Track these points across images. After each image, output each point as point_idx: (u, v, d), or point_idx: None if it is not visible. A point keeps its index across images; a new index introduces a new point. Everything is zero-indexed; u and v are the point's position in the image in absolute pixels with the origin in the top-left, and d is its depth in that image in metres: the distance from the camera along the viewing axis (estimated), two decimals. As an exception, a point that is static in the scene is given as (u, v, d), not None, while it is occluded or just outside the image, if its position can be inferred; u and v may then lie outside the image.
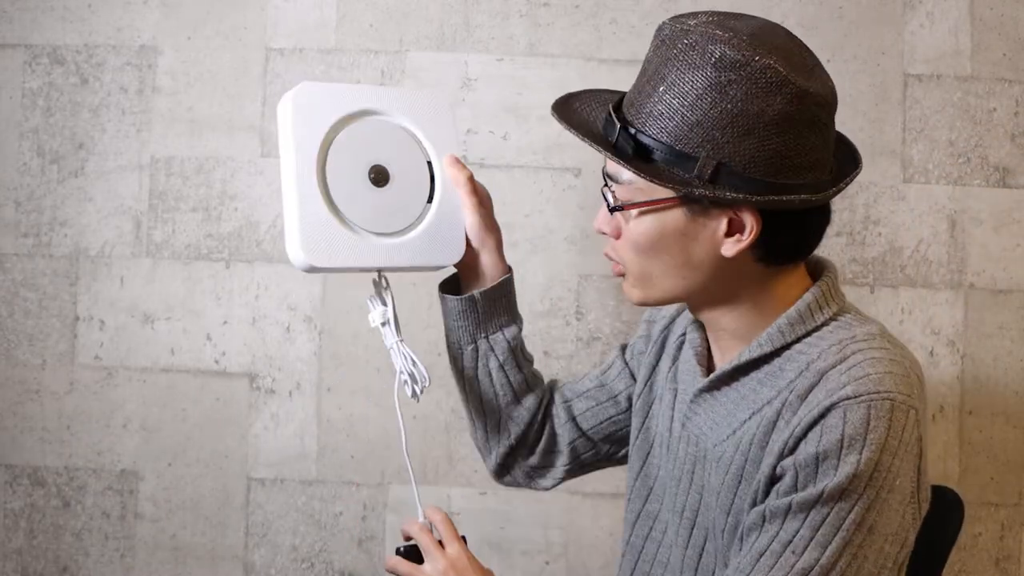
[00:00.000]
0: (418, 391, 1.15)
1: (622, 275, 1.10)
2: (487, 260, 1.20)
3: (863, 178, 1.78)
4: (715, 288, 1.05)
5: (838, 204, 1.79)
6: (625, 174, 1.03)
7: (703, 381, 1.11)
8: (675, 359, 1.20)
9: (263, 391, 1.82)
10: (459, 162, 1.20)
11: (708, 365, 1.15)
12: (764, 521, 0.99)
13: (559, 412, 1.30)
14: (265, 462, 1.82)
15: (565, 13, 1.81)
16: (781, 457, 0.99)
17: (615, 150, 1.01)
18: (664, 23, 1.03)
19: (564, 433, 1.29)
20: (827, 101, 1.01)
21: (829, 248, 1.78)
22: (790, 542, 0.96)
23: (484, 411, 1.26)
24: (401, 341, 1.15)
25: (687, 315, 1.21)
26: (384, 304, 1.17)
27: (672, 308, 1.27)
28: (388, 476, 1.81)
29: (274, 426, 1.82)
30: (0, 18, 1.83)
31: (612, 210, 1.05)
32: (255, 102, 1.82)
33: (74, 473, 1.83)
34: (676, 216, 1.02)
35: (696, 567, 1.11)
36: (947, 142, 1.79)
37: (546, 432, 1.29)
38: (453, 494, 1.81)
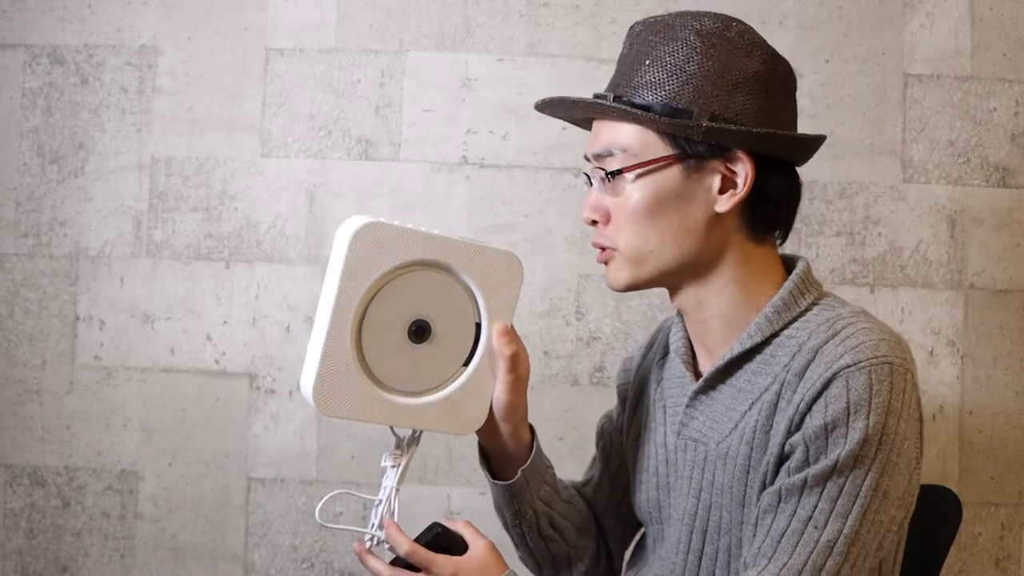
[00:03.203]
0: (380, 542, 1.11)
1: (607, 262, 1.10)
2: (508, 431, 1.16)
3: (863, 178, 1.78)
4: (704, 257, 1.07)
5: (838, 204, 1.79)
6: (621, 139, 1.06)
7: (697, 383, 1.11)
8: (660, 380, 1.21)
9: (263, 391, 1.82)
10: (509, 333, 1.11)
11: (695, 370, 1.15)
12: (780, 501, 0.99)
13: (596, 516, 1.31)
14: (265, 462, 1.82)
15: (565, 13, 1.80)
16: (788, 435, 1.00)
17: (619, 101, 1.06)
18: (635, 24, 1.11)
19: (606, 531, 1.30)
20: (792, 70, 1.10)
21: (829, 248, 1.78)
22: (810, 517, 0.96)
23: (552, 556, 1.25)
24: (397, 490, 1.11)
25: (663, 339, 1.24)
26: (400, 450, 1.13)
27: (643, 348, 1.29)
28: (388, 476, 1.81)
29: (274, 426, 1.82)
30: (0, 18, 1.83)
31: (610, 175, 1.06)
32: (255, 102, 1.82)
33: (74, 473, 1.83)
34: (673, 176, 1.05)
35: (697, 571, 1.11)
36: (947, 142, 1.78)
37: (602, 541, 1.30)
38: (453, 494, 1.81)
